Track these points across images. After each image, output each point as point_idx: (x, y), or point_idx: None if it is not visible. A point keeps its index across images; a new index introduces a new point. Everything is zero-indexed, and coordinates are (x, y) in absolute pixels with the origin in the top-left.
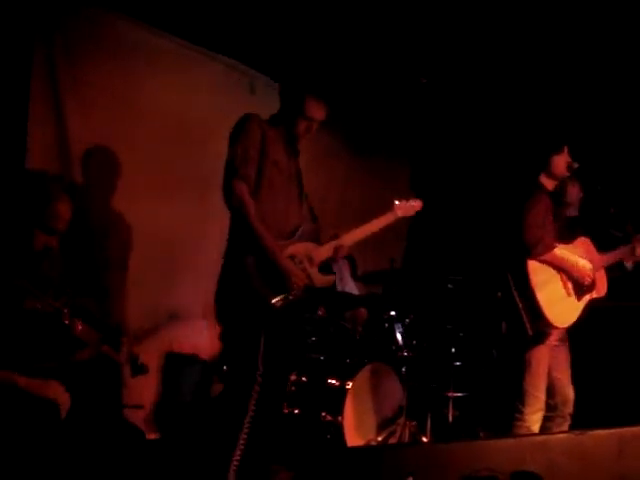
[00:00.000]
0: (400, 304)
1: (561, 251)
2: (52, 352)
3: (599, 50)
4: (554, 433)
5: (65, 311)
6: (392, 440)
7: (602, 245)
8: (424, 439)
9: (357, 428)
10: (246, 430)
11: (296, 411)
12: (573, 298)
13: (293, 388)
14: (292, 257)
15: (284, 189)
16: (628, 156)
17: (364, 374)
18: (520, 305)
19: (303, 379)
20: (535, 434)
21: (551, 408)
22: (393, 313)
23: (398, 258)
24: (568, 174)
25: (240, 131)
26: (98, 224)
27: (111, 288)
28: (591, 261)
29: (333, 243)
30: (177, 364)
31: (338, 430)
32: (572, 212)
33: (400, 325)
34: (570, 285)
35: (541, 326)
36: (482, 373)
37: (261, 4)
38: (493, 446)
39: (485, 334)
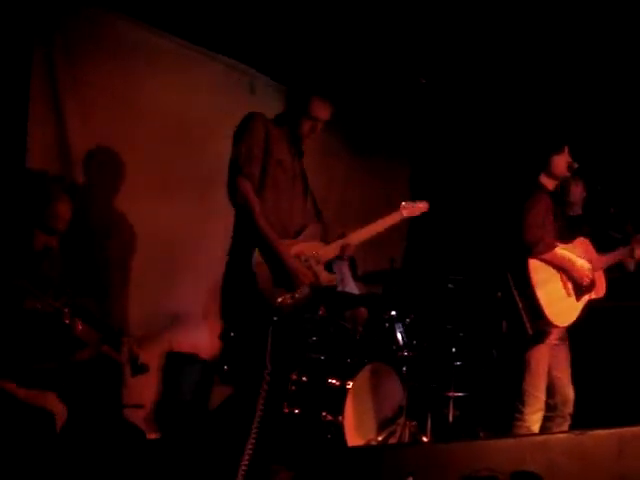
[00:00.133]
0: (400, 304)
1: (561, 251)
2: (52, 352)
3: (599, 50)
4: (554, 433)
5: (65, 311)
6: (392, 440)
7: (601, 246)
8: (424, 439)
9: (357, 428)
10: (255, 430)
11: (296, 411)
12: (572, 298)
13: (293, 388)
14: (298, 256)
15: (288, 188)
16: (628, 156)
17: (364, 374)
18: (520, 304)
19: (303, 379)
20: (535, 434)
21: (551, 408)
22: (393, 313)
23: (398, 258)
24: (568, 174)
25: (244, 130)
26: (98, 224)
27: (111, 288)
28: (590, 261)
29: (340, 242)
30: (177, 363)
31: (338, 430)
32: (576, 211)
33: (400, 325)
34: (570, 285)
35: (541, 325)
36: (482, 373)
37: (261, 4)
38: (493, 446)
39: (485, 334)
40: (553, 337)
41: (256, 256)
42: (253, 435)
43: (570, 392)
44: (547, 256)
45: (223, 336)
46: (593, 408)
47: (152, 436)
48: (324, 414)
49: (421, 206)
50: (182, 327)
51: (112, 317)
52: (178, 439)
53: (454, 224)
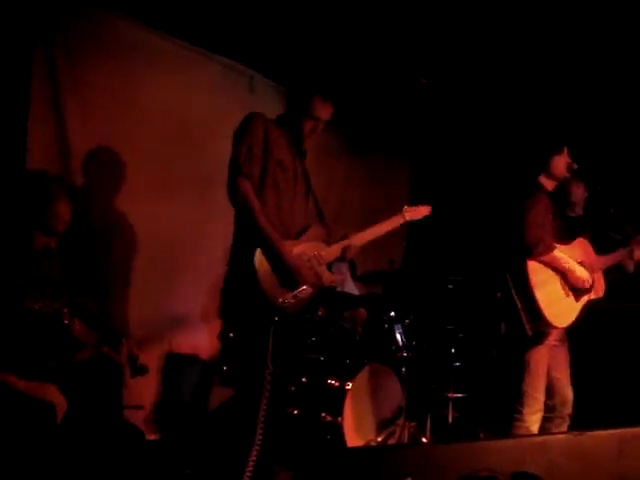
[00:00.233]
0: (400, 305)
1: (560, 254)
2: (52, 352)
3: (599, 51)
4: (554, 434)
5: (64, 311)
6: (392, 441)
7: (601, 247)
8: (424, 440)
9: (357, 429)
10: (260, 431)
11: (296, 411)
12: (571, 298)
13: (293, 388)
14: (300, 256)
15: (289, 189)
16: (628, 156)
17: (364, 375)
18: (519, 305)
19: (303, 379)
20: (535, 435)
21: (550, 409)
22: (393, 314)
23: (398, 259)
24: (568, 175)
25: (244, 130)
26: (98, 224)
27: (111, 288)
28: (589, 263)
29: (342, 243)
30: (177, 364)
31: (338, 431)
32: (577, 212)
33: (400, 326)
34: (568, 286)
35: (540, 326)
36: (482, 374)
37: (260, 4)
38: (492, 447)
39: (485, 335)
40: (552, 338)
41: (257, 256)
42: (258, 436)
43: (569, 393)
44: (546, 258)
45: (222, 337)
46: (593, 409)
47: (152, 437)
48: (323, 415)
49: (423, 210)
50: (182, 328)
51: (112, 318)
52: (178, 440)
53: (454, 225)
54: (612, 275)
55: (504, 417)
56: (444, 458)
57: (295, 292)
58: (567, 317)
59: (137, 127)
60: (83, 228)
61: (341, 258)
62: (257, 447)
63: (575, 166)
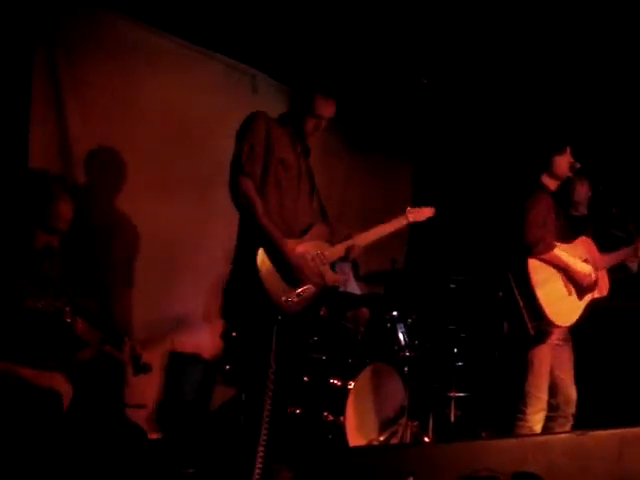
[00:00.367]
0: (402, 304)
1: (561, 252)
2: (53, 351)
3: (601, 50)
4: (555, 433)
5: (66, 310)
6: (394, 440)
7: (605, 245)
8: (426, 439)
9: (359, 428)
10: (265, 431)
11: (298, 411)
12: (574, 297)
13: (295, 387)
14: (303, 255)
15: (292, 187)
16: (630, 156)
17: (366, 374)
18: (521, 304)
19: (305, 379)
20: (536, 434)
21: (553, 408)
22: (395, 313)
23: (400, 258)
24: (570, 174)
25: (246, 129)
26: (99, 224)
27: (112, 288)
28: (592, 261)
29: (346, 243)
30: (179, 363)
31: (340, 430)
32: (581, 211)
33: (402, 325)
34: (571, 284)
35: (542, 325)
36: (484, 373)
37: (262, 3)
38: (494, 446)
39: (487, 334)
40: (555, 337)
41: (260, 255)
42: (264, 435)
43: (573, 392)
44: (547, 257)
45: (225, 336)
46: (595, 409)
47: (154, 436)
48: (326, 414)
49: (427, 211)
50: (184, 327)
51: (114, 317)
52: (180, 439)
53: (456, 224)
54: (616, 274)
55: (507, 416)
56: (446, 457)
57: (298, 291)
58: (570, 316)
59: (138, 127)
60: (84, 227)
61: (344, 258)
62: (263, 446)
63: (578, 165)
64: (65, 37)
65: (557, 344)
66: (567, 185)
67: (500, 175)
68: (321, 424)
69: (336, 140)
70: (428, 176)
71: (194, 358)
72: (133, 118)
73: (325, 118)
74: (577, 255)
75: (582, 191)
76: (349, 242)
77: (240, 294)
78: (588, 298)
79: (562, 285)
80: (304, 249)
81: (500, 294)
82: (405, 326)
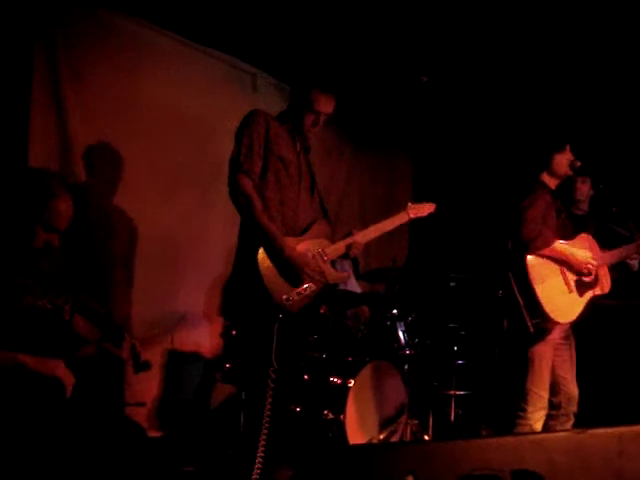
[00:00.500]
0: (402, 302)
1: (560, 244)
2: (53, 349)
3: (601, 48)
4: (555, 431)
5: (65, 308)
6: (394, 439)
7: (606, 243)
8: (426, 437)
9: (359, 426)
10: (265, 430)
11: (298, 409)
12: (575, 294)
13: (295, 386)
14: (304, 253)
15: (292, 185)
16: (630, 155)
17: (366, 372)
18: (521, 302)
19: (305, 377)
20: (536, 432)
21: (555, 406)
22: (395, 311)
23: (401, 257)
24: (570, 172)
25: (246, 127)
26: (99, 222)
27: (113, 285)
28: (594, 258)
29: (347, 240)
30: (179, 362)
31: (340, 428)
32: (584, 209)
33: (402, 323)
34: (572, 281)
35: (542, 323)
36: (484, 371)
37: (262, 1)
38: (493, 444)
39: (487, 332)
40: (556, 335)
41: (261, 254)
42: (264, 434)
43: (574, 390)
44: (546, 251)
45: (225, 334)
46: (596, 407)
47: (154, 434)
48: (326, 412)
49: (428, 207)
50: (184, 325)
51: (114, 315)
52: (180, 437)
53: (456, 223)
54: (617, 273)
55: (507, 415)
56: (446, 456)
57: (299, 290)
58: (570, 313)
59: (139, 124)
60: (85, 225)
61: (345, 255)
62: (263, 445)
63: (578, 163)
64: (66, 35)
65: (559, 343)
66: (569, 184)
67: (500, 174)
68: (321, 422)
69: (336, 139)
70: (428, 174)
71: (194, 356)
72: (133, 116)
73: (324, 114)
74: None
75: (584, 189)
76: (350, 239)
77: (241, 293)
78: (589, 295)
79: (562, 282)
80: (305, 247)
81: (500, 292)
82: (405, 324)
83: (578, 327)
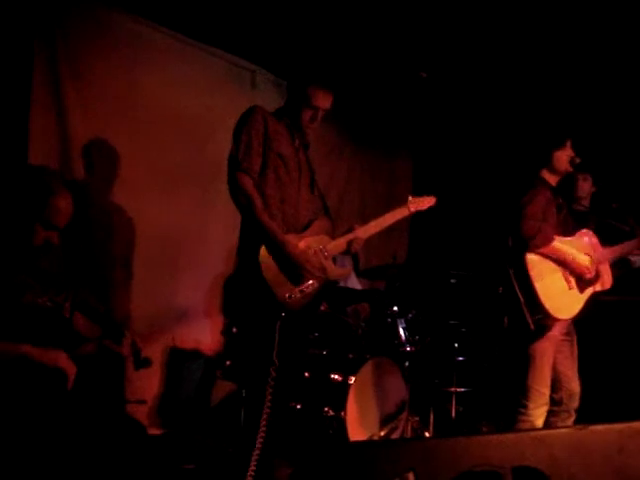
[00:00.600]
0: (403, 299)
1: (559, 244)
2: (54, 347)
3: (602, 45)
4: (555, 428)
5: (65, 305)
6: (395, 435)
7: (608, 239)
8: (427, 434)
9: (360, 423)
10: (263, 429)
11: (298, 406)
12: (575, 290)
13: (296, 383)
14: (305, 250)
15: (292, 181)
16: (630, 152)
17: (367, 369)
18: (522, 299)
19: (306, 374)
20: (536, 429)
21: (556, 402)
22: (396, 308)
23: (401, 253)
24: (570, 169)
25: (244, 124)
26: (99, 219)
27: (113, 283)
28: (594, 254)
29: (348, 236)
30: (180, 359)
31: (341, 425)
32: (585, 205)
33: (403, 320)
34: (572, 278)
35: (542, 319)
36: (485, 368)
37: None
38: (494, 441)
39: (488, 329)
40: (557, 331)
41: (263, 252)
42: (261, 431)
43: (576, 387)
44: (545, 250)
45: (225, 331)
46: (596, 403)
47: (154, 431)
48: (326, 409)
49: (428, 200)
50: (184, 323)
51: (114, 313)
52: (181, 435)
53: (457, 219)
54: (618, 270)
55: (508, 411)
56: (446, 452)
57: (301, 287)
58: (570, 309)
59: (138, 122)
60: (84, 223)
61: (347, 251)
62: (259, 443)
63: (578, 160)
64: (65, 34)
65: (560, 339)
66: (570, 180)
67: (501, 171)
68: (322, 419)
69: (337, 137)
70: (429, 172)
71: (194, 354)
72: (133, 113)
73: (322, 109)
74: (578, 248)
75: (585, 187)
76: (351, 235)
77: (243, 291)
78: (590, 291)
79: (562, 278)
80: (306, 244)
81: (500, 289)
82: (406, 321)
83: (579, 323)
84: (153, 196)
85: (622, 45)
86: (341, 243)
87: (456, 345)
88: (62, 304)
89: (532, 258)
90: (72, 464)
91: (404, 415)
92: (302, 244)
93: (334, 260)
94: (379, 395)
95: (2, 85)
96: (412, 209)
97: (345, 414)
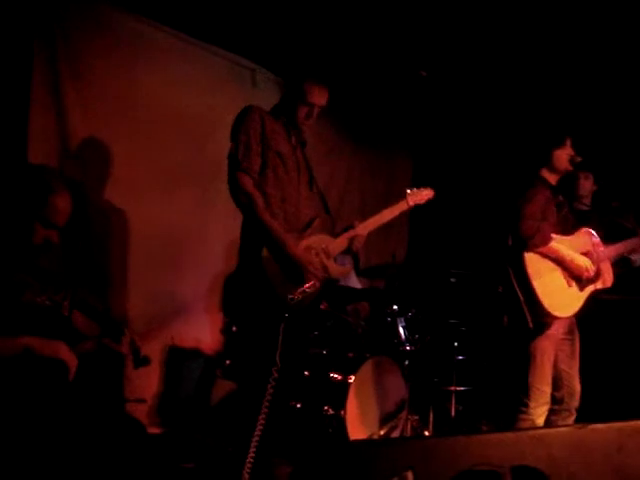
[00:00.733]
0: (402, 298)
1: (558, 245)
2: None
3: (602, 43)
4: (555, 427)
5: (64, 304)
6: (394, 434)
7: (610, 238)
8: (426, 433)
9: (359, 422)
10: (260, 428)
11: (298, 405)
12: (575, 288)
13: (296, 382)
14: (307, 250)
15: (291, 180)
16: (630, 150)
17: (366, 368)
18: (521, 298)
19: (305, 373)
20: (536, 427)
21: (557, 401)
22: (395, 307)
23: (400, 252)
24: (570, 168)
25: (241, 124)
26: (98, 218)
27: (112, 282)
28: (594, 253)
29: (349, 234)
30: (179, 358)
31: (340, 424)
32: (587, 204)
33: (402, 319)
34: (571, 276)
35: (541, 317)
36: (485, 367)
37: None
38: (493, 440)
39: (487, 328)
40: (558, 329)
41: (265, 253)
42: (258, 431)
43: (577, 385)
44: (544, 250)
45: (225, 331)
46: (597, 402)
47: (154, 431)
48: (326, 408)
49: (427, 193)
50: (184, 322)
51: (113, 312)
52: (180, 434)
53: (456, 218)
54: (619, 268)
55: (508, 410)
56: (445, 451)
57: (304, 288)
58: (569, 307)
59: (139, 122)
60: (84, 222)
61: (348, 250)
62: (256, 442)
63: (578, 159)
64: (65, 33)
65: (562, 337)
66: (571, 179)
67: (500, 170)
68: (322, 418)
69: (336, 136)
70: (428, 171)
71: (194, 353)
72: (133, 113)
73: (317, 106)
74: (578, 247)
75: (586, 185)
76: (352, 232)
77: (245, 290)
78: (590, 289)
79: (561, 276)
80: (308, 244)
81: (500, 288)
82: (405, 320)
83: (580, 322)
84: (153, 195)
85: (622, 44)
86: (343, 242)
87: (456, 344)
88: (61, 302)
89: (530, 257)
90: (72, 462)
91: (404, 414)
92: (304, 244)
93: (334, 259)
94: (379, 394)
95: (2, 85)
96: (411, 203)
97: (345, 413)
